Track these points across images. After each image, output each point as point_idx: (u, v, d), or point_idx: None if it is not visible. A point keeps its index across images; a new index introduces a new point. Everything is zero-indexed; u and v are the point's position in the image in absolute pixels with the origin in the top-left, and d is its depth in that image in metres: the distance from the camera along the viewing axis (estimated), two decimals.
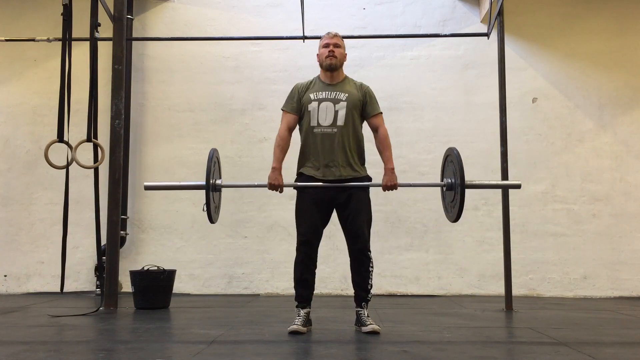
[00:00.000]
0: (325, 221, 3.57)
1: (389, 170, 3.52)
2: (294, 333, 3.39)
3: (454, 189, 3.52)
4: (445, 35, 5.85)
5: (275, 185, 3.49)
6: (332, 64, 3.55)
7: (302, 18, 5.28)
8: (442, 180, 3.71)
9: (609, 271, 5.85)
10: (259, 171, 6.06)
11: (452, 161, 3.59)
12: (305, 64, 6.12)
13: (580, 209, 5.92)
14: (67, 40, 4.63)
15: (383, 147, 3.55)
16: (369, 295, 3.52)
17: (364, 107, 3.58)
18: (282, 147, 3.54)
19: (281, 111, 3.64)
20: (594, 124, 6.03)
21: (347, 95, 3.53)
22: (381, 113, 3.63)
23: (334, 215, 3.59)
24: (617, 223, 5.89)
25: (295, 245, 3.54)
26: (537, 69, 6.10)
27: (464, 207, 5.93)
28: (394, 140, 5.94)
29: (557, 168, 5.98)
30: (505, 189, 4.81)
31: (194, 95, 6.17)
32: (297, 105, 3.57)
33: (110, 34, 4.98)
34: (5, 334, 3.51)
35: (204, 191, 3.40)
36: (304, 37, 5.41)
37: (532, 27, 6.11)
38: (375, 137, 3.59)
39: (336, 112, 3.49)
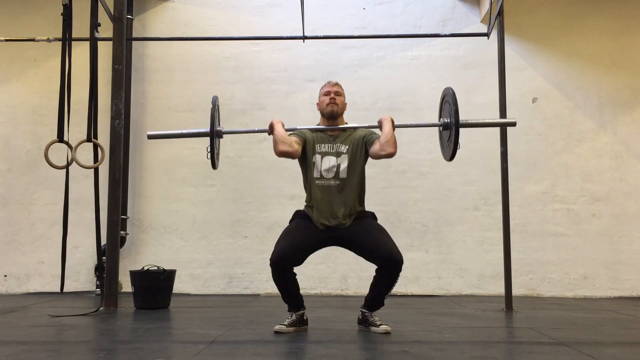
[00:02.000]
0: (309, 249, 3.44)
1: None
2: (277, 333, 3.40)
3: (450, 128, 3.55)
4: (445, 35, 5.85)
5: (276, 122, 3.42)
6: (333, 111, 3.52)
7: (302, 18, 5.27)
8: (439, 120, 3.73)
9: (609, 271, 5.85)
10: (259, 171, 6.08)
11: (448, 101, 3.60)
12: (305, 64, 6.12)
13: (580, 209, 5.92)
14: (67, 40, 4.63)
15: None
16: (384, 304, 3.51)
17: (366, 144, 3.52)
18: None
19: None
20: (594, 124, 6.03)
21: (347, 147, 3.51)
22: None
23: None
24: (617, 223, 5.89)
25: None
26: (537, 69, 6.10)
27: (465, 206, 5.96)
28: None
29: (557, 168, 5.98)
30: (507, 186, 4.79)
31: (194, 95, 6.16)
32: (303, 140, 3.50)
33: (110, 34, 4.98)
34: (5, 334, 3.51)
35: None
36: (304, 37, 5.40)
37: (532, 27, 6.11)
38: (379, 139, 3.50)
39: (338, 166, 3.47)
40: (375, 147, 3.44)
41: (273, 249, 3.43)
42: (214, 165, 3.59)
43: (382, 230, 3.51)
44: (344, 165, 3.48)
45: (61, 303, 5.04)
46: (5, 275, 5.99)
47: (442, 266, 5.92)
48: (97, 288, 5.70)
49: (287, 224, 3.61)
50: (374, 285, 3.49)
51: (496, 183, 5.08)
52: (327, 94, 3.55)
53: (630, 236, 5.88)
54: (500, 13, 4.89)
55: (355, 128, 3.59)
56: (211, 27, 6.20)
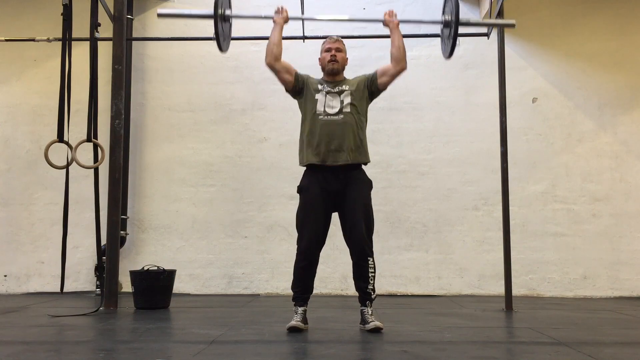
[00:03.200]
0: (328, 222, 3.57)
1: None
2: (292, 329, 3.42)
3: (450, 26, 3.70)
4: None
5: (278, 20, 3.62)
6: (334, 68, 3.63)
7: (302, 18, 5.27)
8: (441, 17, 3.90)
9: (609, 271, 5.85)
10: (259, 171, 6.08)
11: (450, 1, 3.76)
12: (305, 64, 6.04)
13: (580, 209, 5.92)
14: (67, 40, 4.63)
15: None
16: (373, 295, 3.54)
17: (371, 82, 3.64)
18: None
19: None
20: (594, 124, 6.03)
21: (349, 87, 3.61)
22: None
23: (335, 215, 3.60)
24: (617, 223, 5.89)
25: (296, 245, 3.56)
26: (537, 69, 6.10)
27: (465, 206, 5.95)
28: (393, 140, 6.05)
29: (557, 168, 5.98)
30: (507, 186, 4.78)
31: (194, 95, 6.17)
32: (299, 80, 3.64)
33: (110, 34, 4.98)
34: (5, 334, 3.51)
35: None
36: (304, 37, 5.41)
37: (532, 27, 6.11)
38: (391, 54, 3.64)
39: (342, 102, 3.55)
40: (387, 67, 3.62)
41: (299, 236, 3.53)
42: (220, 49, 3.71)
43: (369, 211, 3.55)
44: (347, 101, 3.56)
45: (61, 303, 5.04)
46: (5, 275, 5.99)
47: (442, 266, 5.92)
48: (97, 288, 5.70)
49: (297, 204, 3.63)
50: (353, 273, 3.57)
51: (496, 183, 5.08)
52: (328, 50, 3.66)
53: (630, 236, 5.88)
54: (500, 13, 4.89)
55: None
56: (211, 27, 6.15)
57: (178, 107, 6.16)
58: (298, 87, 3.65)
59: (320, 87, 3.61)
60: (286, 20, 3.68)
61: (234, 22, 6.24)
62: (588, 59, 6.09)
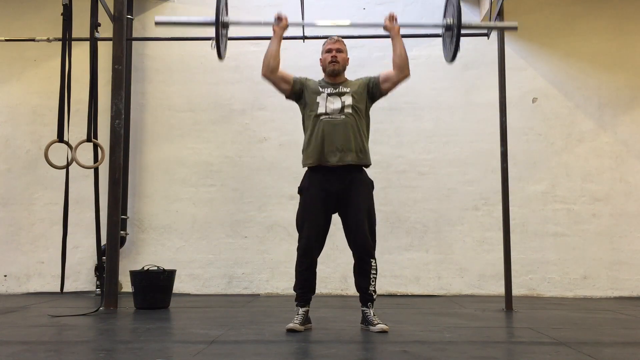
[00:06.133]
0: (328, 222, 3.57)
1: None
2: (290, 331, 3.42)
3: (452, 30, 3.65)
4: None
5: (277, 29, 3.65)
6: (334, 69, 3.64)
7: (302, 18, 5.27)
8: (442, 20, 3.88)
9: (609, 271, 5.84)
10: (259, 171, 6.08)
11: (452, 3, 3.70)
12: (305, 64, 6.07)
13: (580, 209, 5.92)
14: (67, 40, 4.63)
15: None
16: (374, 296, 3.55)
17: (373, 85, 3.64)
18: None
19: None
20: (594, 124, 6.03)
21: (350, 89, 3.61)
22: None
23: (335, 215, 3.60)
24: (617, 223, 5.89)
25: (297, 246, 3.57)
26: (537, 69, 6.10)
27: (465, 206, 5.95)
28: (393, 140, 6.05)
29: (557, 168, 5.98)
30: (507, 186, 4.79)
31: (194, 95, 6.17)
32: (298, 84, 3.64)
33: (110, 34, 4.98)
34: (5, 334, 3.50)
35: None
36: (304, 37, 5.41)
37: (532, 27, 6.11)
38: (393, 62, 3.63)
39: (343, 102, 3.56)
40: (390, 73, 3.61)
41: (299, 236, 3.53)
42: (220, 55, 3.70)
43: (371, 211, 3.56)
44: (348, 102, 3.56)
45: (61, 303, 5.04)
46: (5, 275, 5.99)
47: (442, 266, 5.92)
48: (97, 288, 5.70)
49: (297, 207, 3.64)
50: (354, 274, 3.58)
51: (496, 183, 5.08)
52: (329, 51, 3.66)
53: (630, 236, 5.88)
54: (500, 13, 4.89)
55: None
56: (211, 27, 6.18)
57: (178, 107, 6.16)
58: (297, 93, 3.65)
59: (320, 89, 3.61)
60: (285, 28, 3.68)
61: (235, 15, 6.25)
62: (588, 59, 6.09)
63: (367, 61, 6.12)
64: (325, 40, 3.74)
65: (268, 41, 5.95)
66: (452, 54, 3.68)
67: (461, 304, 5.11)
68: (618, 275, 5.83)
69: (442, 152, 6.04)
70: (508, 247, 4.75)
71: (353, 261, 3.57)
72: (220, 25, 3.60)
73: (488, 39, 5.36)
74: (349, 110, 3.54)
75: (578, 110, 6.05)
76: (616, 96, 6.04)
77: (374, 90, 3.63)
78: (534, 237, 5.89)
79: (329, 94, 3.58)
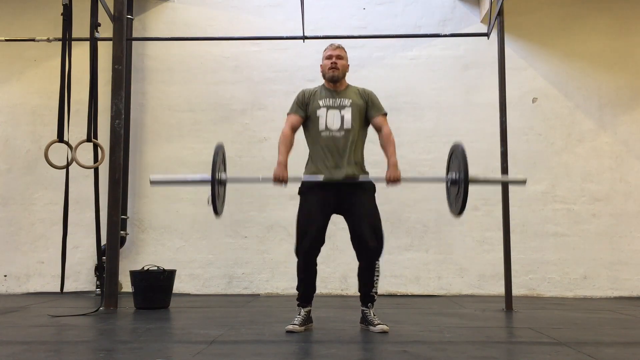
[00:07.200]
0: (326, 224, 3.56)
1: (393, 165, 3.57)
2: (290, 332, 3.42)
3: (458, 184, 3.52)
4: (445, 35, 5.85)
5: (280, 179, 3.50)
6: (334, 75, 3.62)
7: (302, 18, 5.28)
8: (447, 174, 3.73)
9: (609, 271, 5.84)
10: (259, 171, 6.01)
11: (457, 157, 3.60)
12: (305, 64, 6.12)
13: (580, 209, 5.92)
14: (67, 40, 4.63)
15: (387, 143, 3.60)
16: (375, 297, 3.57)
17: (367, 111, 3.64)
18: (286, 144, 3.58)
19: (286, 115, 3.68)
20: (594, 124, 6.03)
21: (350, 101, 3.60)
22: (385, 114, 3.67)
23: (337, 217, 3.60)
24: (617, 223, 5.89)
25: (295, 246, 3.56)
26: (537, 69, 6.10)
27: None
28: None
29: (557, 168, 5.98)
30: (507, 186, 4.79)
31: (194, 95, 6.17)
32: (303, 108, 3.62)
33: (110, 34, 4.98)
34: (5, 334, 3.51)
35: (206, 187, 3.44)
36: (304, 37, 5.41)
37: (532, 27, 6.11)
38: (380, 136, 3.63)
39: (342, 117, 3.55)
40: (378, 131, 3.63)
41: (297, 236, 3.51)
42: (216, 212, 3.56)
43: (375, 215, 3.56)
44: (347, 116, 3.55)
45: (61, 303, 5.04)
46: (5, 275, 5.99)
47: (442, 266, 5.92)
48: (97, 288, 5.70)
49: (297, 206, 3.63)
50: (358, 276, 3.59)
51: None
52: (329, 57, 3.65)
53: (630, 236, 5.88)
54: (500, 13, 4.89)
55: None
56: (211, 27, 6.20)
57: (178, 107, 6.16)
58: (306, 116, 3.62)
59: (321, 102, 3.59)
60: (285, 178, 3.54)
61: (234, 19, 6.29)
62: (588, 59, 6.09)
63: (367, 61, 6.13)
64: (326, 47, 3.72)
65: (268, 41, 6.04)
66: (459, 208, 3.51)
67: (461, 304, 5.11)
68: (618, 275, 5.83)
69: (442, 152, 5.95)
70: (508, 247, 4.75)
71: (350, 260, 3.58)
72: (217, 183, 3.50)
73: (488, 39, 5.37)
74: (348, 126, 3.54)
75: (578, 110, 6.05)
76: (616, 96, 6.04)
77: (367, 114, 3.63)
78: (534, 237, 5.89)
79: (329, 108, 3.57)
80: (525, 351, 3.08)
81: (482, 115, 5.97)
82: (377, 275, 3.54)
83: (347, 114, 3.55)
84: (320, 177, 3.49)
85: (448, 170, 3.73)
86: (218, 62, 6.22)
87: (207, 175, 3.49)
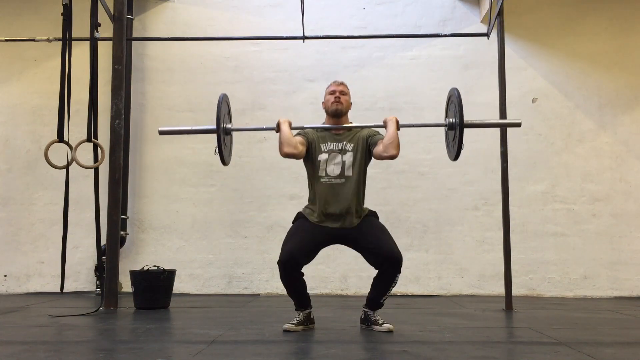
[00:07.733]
0: (314, 247, 3.51)
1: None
2: (286, 332, 3.43)
3: (455, 128, 3.59)
4: (445, 35, 5.85)
5: (283, 121, 3.52)
6: (338, 109, 3.57)
7: (302, 18, 5.27)
8: (445, 120, 3.78)
9: (609, 271, 5.85)
10: (259, 171, 6.08)
11: (453, 102, 3.65)
12: (305, 64, 6.12)
13: (580, 209, 5.92)
14: (67, 40, 4.62)
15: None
16: (383, 305, 3.57)
17: (370, 146, 3.58)
18: (290, 137, 3.51)
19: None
20: (594, 124, 6.03)
21: (352, 145, 3.57)
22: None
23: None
24: (617, 223, 5.89)
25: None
26: (537, 69, 6.10)
27: (465, 206, 5.96)
28: None
29: (557, 168, 5.99)
30: (507, 186, 4.79)
31: (194, 95, 6.17)
32: (306, 145, 3.55)
33: (110, 34, 4.98)
34: (5, 334, 3.51)
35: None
36: (304, 37, 5.40)
37: (532, 27, 6.11)
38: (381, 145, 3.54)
39: (343, 163, 3.53)
40: (379, 149, 3.50)
41: (281, 250, 3.45)
42: (223, 162, 3.65)
43: (383, 230, 3.57)
44: (349, 163, 3.53)
45: (61, 303, 5.04)
46: (5, 275, 5.99)
47: (442, 266, 5.92)
48: (97, 288, 5.70)
49: (290, 225, 3.64)
50: (374, 286, 3.56)
51: (496, 183, 5.08)
52: (333, 92, 3.62)
53: (630, 236, 5.88)
54: (500, 13, 4.89)
55: (360, 127, 3.65)
56: (211, 27, 6.20)
57: (178, 107, 6.16)
58: (309, 151, 3.58)
59: (323, 147, 3.55)
60: (289, 123, 3.54)
61: (234, 19, 6.29)
62: (588, 59, 6.09)
63: (367, 61, 6.13)
64: (330, 83, 3.69)
65: (268, 41, 6.04)
66: (455, 152, 3.58)
67: (461, 304, 5.11)
68: (618, 275, 5.83)
69: (442, 152, 5.94)
70: (508, 247, 4.75)
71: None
72: (222, 132, 3.53)
73: (488, 39, 5.37)
74: (349, 173, 3.52)
75: (578, 110, 6.05)
76: (616, 96, 6.04)
77: (370, 148, 3.58)
78: (534, 237, 5.89)
79: (331, 152, 3.54)
80: (525, 351, 3.08)
81: (482, 115, 5.92)
82: (394, 286, 3.52)
83: (349, 160, 3.53)
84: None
85: (446, 115, 3.77)
86: (218, 62, 6.21)
87: (213, 126, 3.54)
